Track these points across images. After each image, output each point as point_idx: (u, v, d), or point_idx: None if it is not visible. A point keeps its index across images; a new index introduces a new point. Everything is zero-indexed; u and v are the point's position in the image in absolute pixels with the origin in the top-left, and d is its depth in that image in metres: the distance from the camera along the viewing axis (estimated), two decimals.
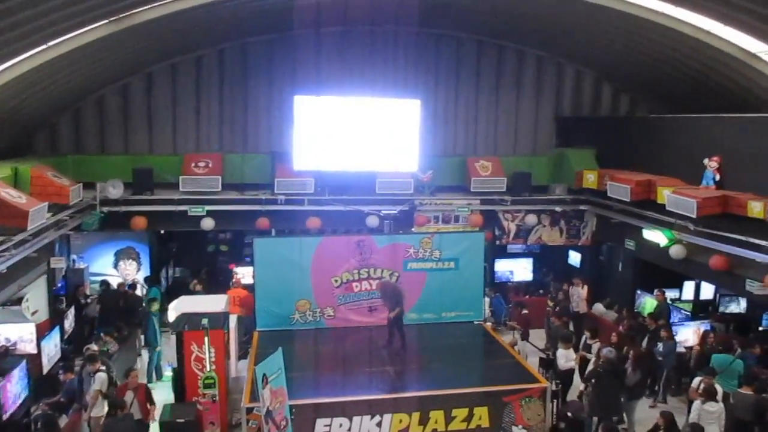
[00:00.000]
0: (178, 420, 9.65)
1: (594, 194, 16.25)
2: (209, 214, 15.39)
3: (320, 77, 17.37)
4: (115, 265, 16.76)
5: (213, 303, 12.34)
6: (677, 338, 12.73)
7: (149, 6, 11.43)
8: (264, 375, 8.61)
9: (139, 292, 15.44)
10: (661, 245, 13.74)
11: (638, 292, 15.70)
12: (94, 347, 11.58)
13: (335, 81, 17.38)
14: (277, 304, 13.27)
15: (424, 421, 9.98)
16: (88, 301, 14.85)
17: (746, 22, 11.96)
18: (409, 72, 17.88)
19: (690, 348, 12.83)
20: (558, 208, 17.03)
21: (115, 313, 14.15)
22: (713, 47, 13.30)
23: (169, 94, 17.07)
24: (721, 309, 15.47)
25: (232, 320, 12.57)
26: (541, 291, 17.77)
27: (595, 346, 12.00)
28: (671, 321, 13.76)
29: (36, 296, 13.24)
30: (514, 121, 18.72)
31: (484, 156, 17.65)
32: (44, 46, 10.92)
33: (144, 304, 14.44)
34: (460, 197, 16.79)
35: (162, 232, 17.75)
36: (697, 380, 10.35)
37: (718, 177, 12.52)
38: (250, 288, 14.12)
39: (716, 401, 9.52)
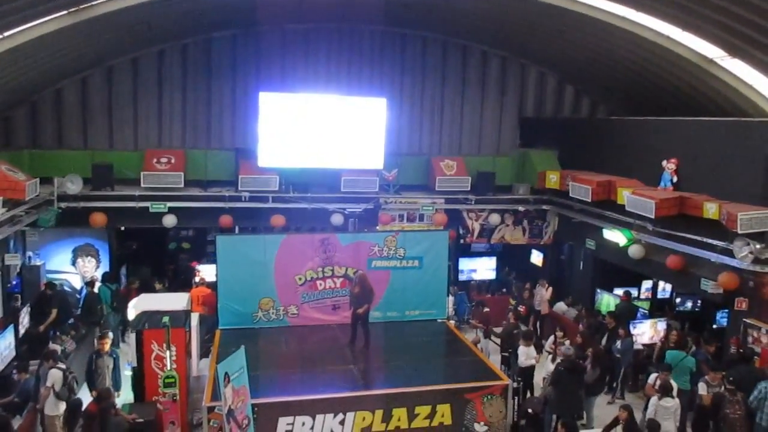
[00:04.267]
0: (138, 420, 9.48)
1: (556, 194, 16.52)
2: (171, 210, 15.20)
3: (285, 74, 17.30)
4: (73, 263, 16.34)
5: (174, 301, 12.15)
6: (634, 336, 13.01)
7: None
8: (226, 373, 8.51)
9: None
10: (620, 245, 14.05)
11: (598, 290, 16.00)
12: (56, 346, 11.32)
13: (300, 78, 17.34)
14: (240, 303, 13.12)
15: (386, 419, 9.99)
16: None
17: (704, 29, 12.29)
18: (375, 70, 17.94)
19: (647, 345, 13.14)
20: (521, 208, 17.27)
21: (68, 313, 13.84)
22: (672, 52, 13.65)
23: (131, 89, 16.77)
24: (678, 308, 15.88)
25: (194, 318, 12.40)
26: (503, 290, 17.96)
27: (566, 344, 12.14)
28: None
29: None
30: (479, 121, 18.92)
31: (448, 155, 17.80)
32: (0, 37, 10.62)
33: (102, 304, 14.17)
34: (425, 196, 16.89)
35: (122, 228, 17.40)
36: (653, 377, 10.61)
37: (675, 179, 12.86)
38: (212, 286, 13.96)
39: (672, 397, 9.76)
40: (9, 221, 12.50)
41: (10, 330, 11.46)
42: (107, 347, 10.83)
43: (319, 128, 15.89)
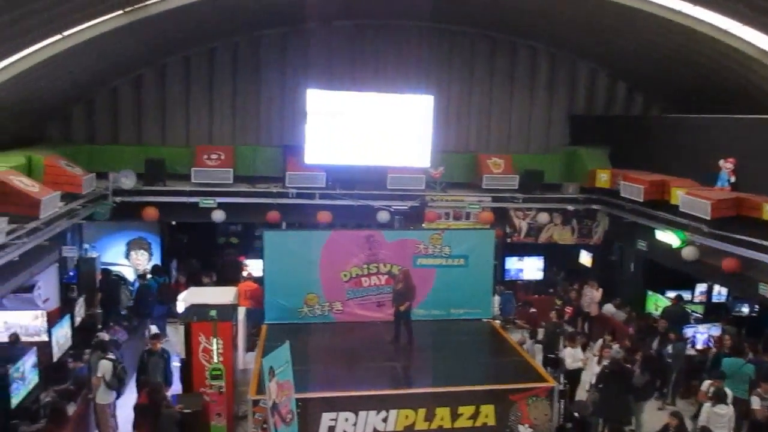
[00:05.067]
0: (185, 410, 9.69)
1: (606, 194, 16.14)
2: (220, 206, 15.47)
3: (333, 71, 17.37)
4: (127, 255, 16.86)
5: (222, 295, 12.38)
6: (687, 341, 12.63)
7: None
8: (271, 368, 8.60)
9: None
10: (673, 246, 13.63)
11: (649, 293, 15.58)
12: (105, 336, 11.68)
13: (348, 75, 17.39)
14: (286, 298, 13.28)
15: (429, 418, 9.95)
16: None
17: (766, 23, 11.79)
18: (422, 67, 17.80)
19: (700, 351, 12.74)
20: (570, 207, 16.94)
21: (115, 301, 14.34)
22: (730, 46, 13.13)
23: (182, 86, 17.13)
24: (733, 312, 15.34)
25: (241, 312, 12.60)
26: (551, 290, 17.67)
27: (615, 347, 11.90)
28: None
29: (47, 284, 13.35)
30: (527, 119, 18.63)
31: (496, 153, 17.59)
32: (59, 36, 10.98)
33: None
34: (471, 194, 16.73)
35: (173, 223, 17.82)
36: (706, 383, 10.27)
37: (733, 179, 12.37)
38: (259, 281, 14.16)
39: (726, 404, 9.43)
40: (67, 214, 12.92)
41: (67, 319, 11.87)
42: (159, 346, 10.99)
43: (366, 126, 15.93)
